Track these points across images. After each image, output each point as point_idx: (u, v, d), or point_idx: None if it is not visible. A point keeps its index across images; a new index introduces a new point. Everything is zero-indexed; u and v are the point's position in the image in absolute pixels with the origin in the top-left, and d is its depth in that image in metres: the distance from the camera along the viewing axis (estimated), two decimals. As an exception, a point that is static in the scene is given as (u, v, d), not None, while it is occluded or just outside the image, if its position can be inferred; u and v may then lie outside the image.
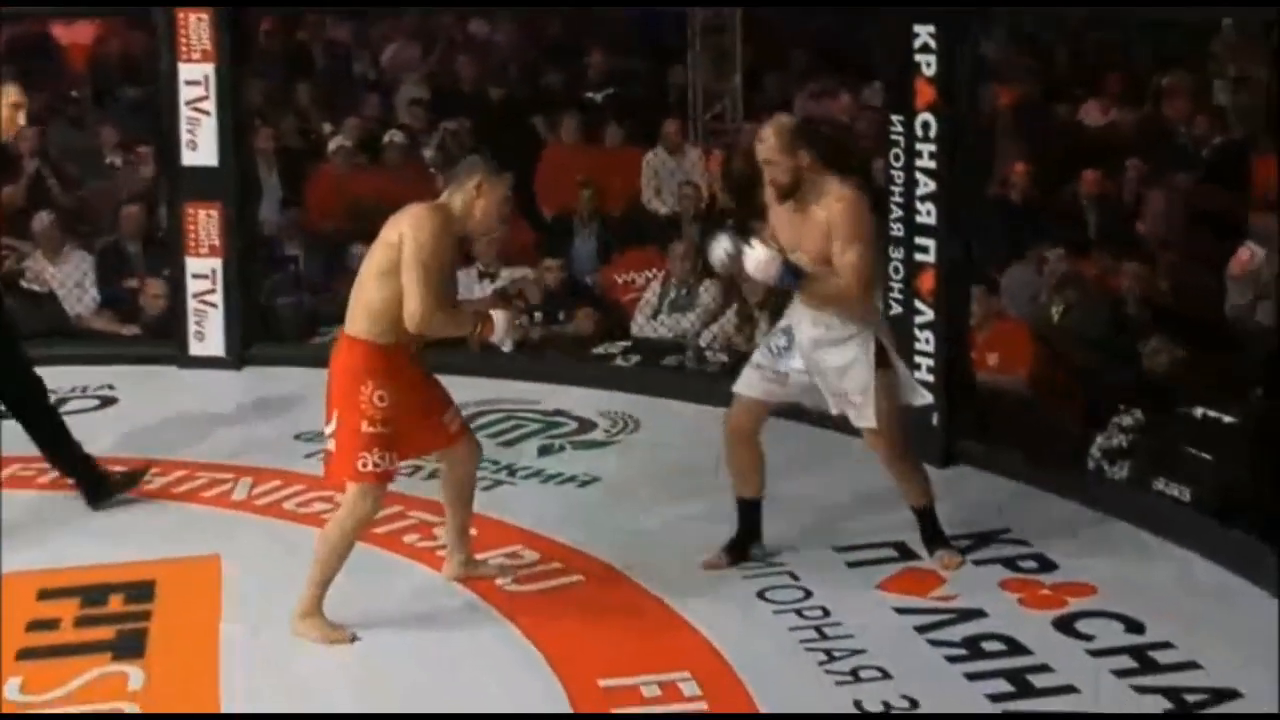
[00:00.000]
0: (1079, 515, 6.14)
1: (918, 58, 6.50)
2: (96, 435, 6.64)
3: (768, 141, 5.30)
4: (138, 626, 5.18)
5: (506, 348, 6.64)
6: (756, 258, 5.23)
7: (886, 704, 4.68)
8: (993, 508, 6.19)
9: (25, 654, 4.99)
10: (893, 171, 6.67)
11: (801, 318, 5.45)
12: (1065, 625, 5.19)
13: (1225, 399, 6.32)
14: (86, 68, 12.08)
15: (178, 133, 8.16)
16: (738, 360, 7.13)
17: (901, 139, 6.60)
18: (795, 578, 5.54)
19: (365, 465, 4.97)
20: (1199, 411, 6.26)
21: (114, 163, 10.42)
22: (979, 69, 6.96)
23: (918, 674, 4.85)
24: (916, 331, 6.62)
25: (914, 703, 4.68)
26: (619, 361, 8.26)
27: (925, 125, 6.52)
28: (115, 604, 5.34)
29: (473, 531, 5.55)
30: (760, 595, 5.42)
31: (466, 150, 7.28)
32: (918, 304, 6.64)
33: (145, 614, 5.26)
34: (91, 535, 5.99)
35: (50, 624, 5.21)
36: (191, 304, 8.28)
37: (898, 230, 6.65)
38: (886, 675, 4.83)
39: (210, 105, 8.12)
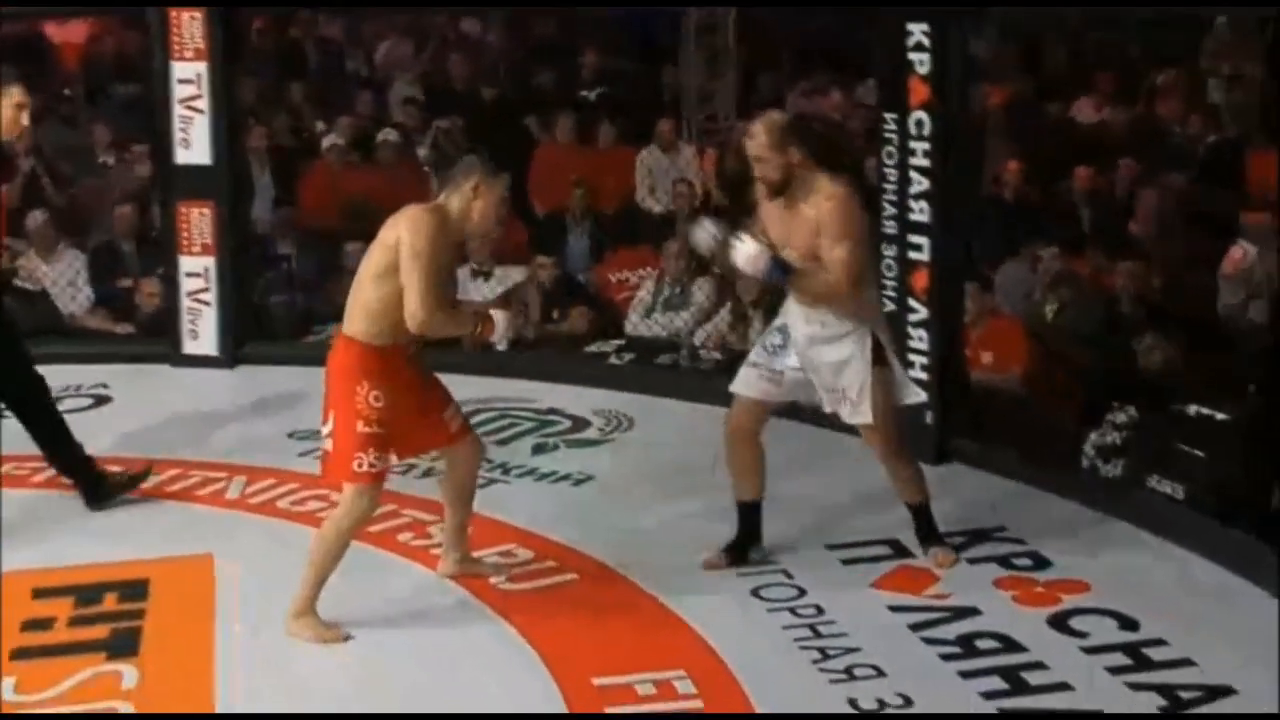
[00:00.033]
0: (1073, 513, 6.15)
1: (912, 56, 6.50)
2: (90, 434, 6.62)
3: (758, 138, 5.29)
4: (132, 625, 5.18)
5: (501, 345, 6.64)
6: (746, 251, 5.22)
7: (881, 701, 4.68)
8: (987, 505, 6.19)
9: (20, 653, 4.99)
10: (886, 169, 6.67)
11: (796, 315, 5.44)
12: (1059, 623, 5.20)
13: (1219, 396, 6.34)
14: (79, 66, 12.07)
15: (170, 131, 8.15)
16: (732, 359, 7.16)
17: (895, 137, 6.60)
18: (790, 576, 5.54)
19: (361, 465, 4.97)
20: (1193, 409, 6.28)
21: (107, 161, 10.41)
22: (972, 67, 6.97)
23: (912, 672, 4.85)
24: (910, 329, 6.63)
25: (908, 700, 4.68)
26: (613, 360, 8.27)
27: (919, 123, 6.52)
28: (109, 603, 5.34)
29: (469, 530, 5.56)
30: (755, 593, 5.42)
31: (461, 149, 7.29)
32: (911, 302, 6.64)
33: (139, 613, 5.26)
34: (86, 534, 5.98)
35: (45, 623, 5.20)
36: (185, 303, 8.27)
37: (891, 228, 6.66)
38: (881, 673, 4.83)
39: (203, 104, 8.11)
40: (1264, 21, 9.74)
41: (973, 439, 6.67)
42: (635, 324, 8.62)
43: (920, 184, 6.56)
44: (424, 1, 11.83)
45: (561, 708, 4.67)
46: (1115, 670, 4.86)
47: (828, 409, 5.54)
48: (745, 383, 5.56)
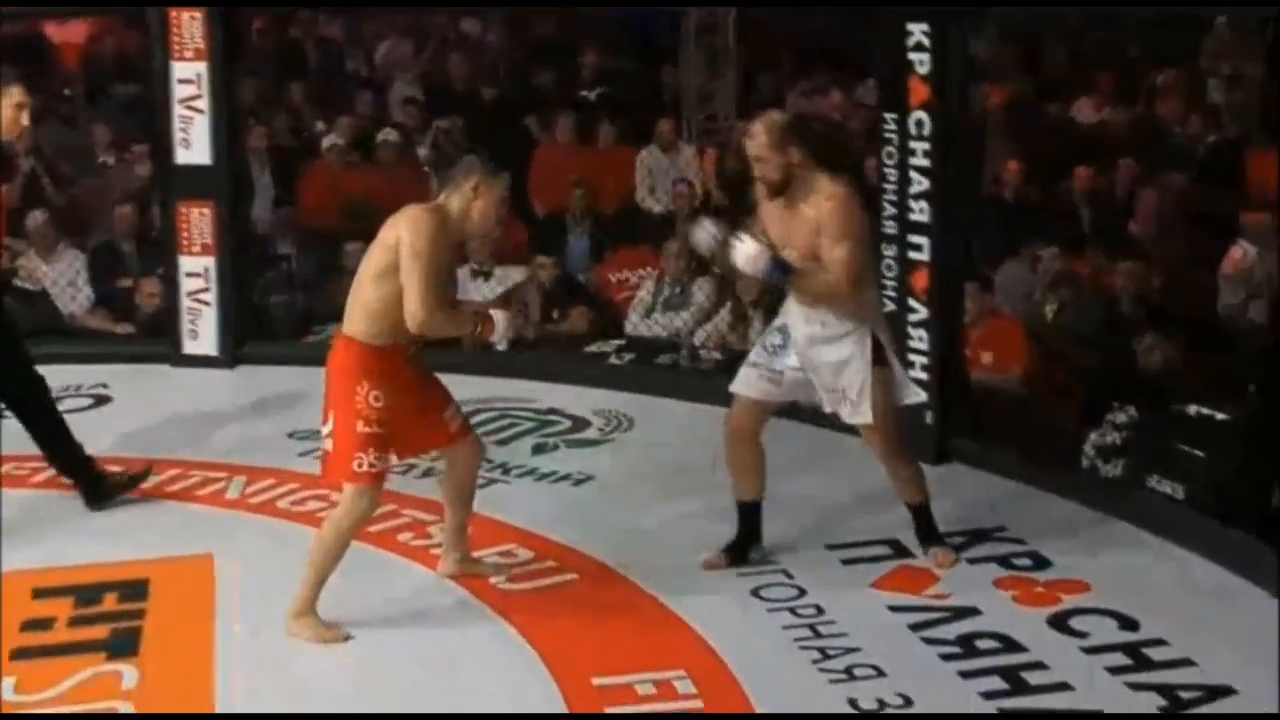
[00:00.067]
0: (1073, 513, 6.15)
1: (912, 56, 6.50)
2: (90, 434, 6.62)
3: (758, 138, 5.29)
4: (132, 625, 5.18)
5: (501, 345, 6.63)
6: (746, 251, 5.22)
7: (881, 701, 4.68)
8: (987, 505, 6.19)
9: (20, 653, 4.99)
10: (886, 169, 6.67)
11: (796, 315, 5.44)
12: (1059, 623, 5.20)
13: (1219, 396, 6.34)
14: (79, 66, 12.06)
15: (170, 131, 8.15)
16: (732, 359, 7.15)
17: (895, 137, 6.60)
18: (789, 576, 5.54)
19: (361, 465, 4.97)
20: (1193, 409, 6.28)
21: (107, 161, 10.41)
22: (972, 67, 6.97)
23: (912, 672, 4.85)
24: (910, 329, 6.63)
25: (908, 700, 4.68)
26: (613, 360, 8.27)
27: (919, 123, 6.52)
28: (109, 603, 5.34)
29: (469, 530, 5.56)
30: (755, 593, 5.41)
31: (461, 149, 7.28)
32: (911, 302, 6.64)
33: (139, 613, 5.26)
34: (86, 534, 5.98)
35: (45, 623, 5.20)
36: (185, 303, 8.27)
37: (891, 228, 6.66)
38: (881, 673, 4.83)
39: (203, 104, 8.11)
40: (1264, 21, 9.74)
41: (973, 439, 6.67)
42: (635, 324, 8.62)
43: (920, 184, 6.56)
44: (424, 1, 11.83)
45: (561, 708, 4.67)
46: (1115, 670, 4.86)
47: (828, 409, 5.54)
48: (745, 383, 5.56)
